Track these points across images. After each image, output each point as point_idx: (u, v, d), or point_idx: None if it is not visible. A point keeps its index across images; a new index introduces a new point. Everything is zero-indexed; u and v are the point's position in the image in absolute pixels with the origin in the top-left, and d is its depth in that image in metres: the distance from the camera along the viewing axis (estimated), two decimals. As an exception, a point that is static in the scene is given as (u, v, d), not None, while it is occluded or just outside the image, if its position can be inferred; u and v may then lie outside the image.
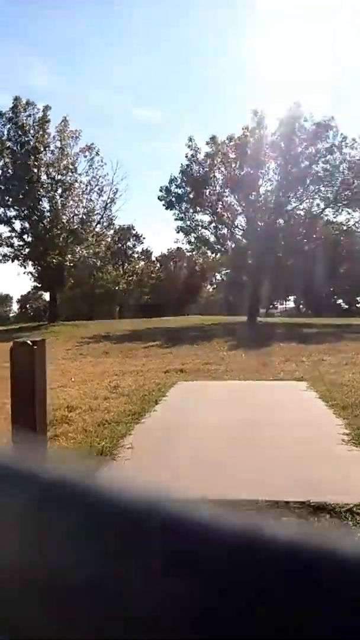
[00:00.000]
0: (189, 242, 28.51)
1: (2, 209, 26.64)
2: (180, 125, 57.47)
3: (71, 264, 28.02)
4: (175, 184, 27.09)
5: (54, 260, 26.68)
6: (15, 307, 47.93)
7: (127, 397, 7.68)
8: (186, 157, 26.88)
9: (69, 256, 27.69)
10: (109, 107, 53.10)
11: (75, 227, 27.86)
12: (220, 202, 26.84)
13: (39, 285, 30.82)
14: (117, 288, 39.35)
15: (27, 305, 45.16)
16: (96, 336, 18.51)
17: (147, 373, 10.10)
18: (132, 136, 58.29)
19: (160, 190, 27.14)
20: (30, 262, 27.60)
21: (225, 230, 27.49)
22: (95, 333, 19.47)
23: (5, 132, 26.61)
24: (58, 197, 27.38)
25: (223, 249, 28.21)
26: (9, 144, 26.44)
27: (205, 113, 55.97)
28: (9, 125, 26.64)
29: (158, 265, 47.63)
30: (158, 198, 27.18)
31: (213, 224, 27.31)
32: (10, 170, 26.28)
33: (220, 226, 27.30)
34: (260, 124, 25.96)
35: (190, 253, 34.87)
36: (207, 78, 55.55)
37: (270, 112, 27.25)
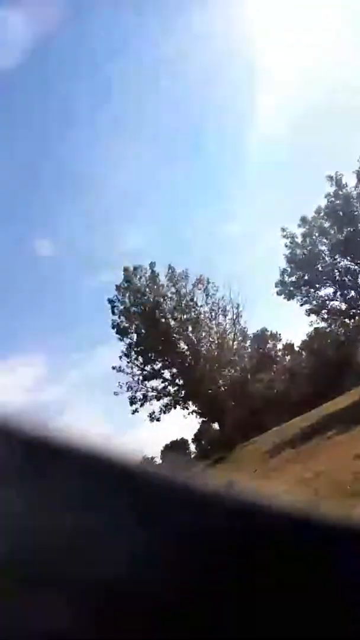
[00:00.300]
0: (323, 319, 28.38)
1: (149, 366, 29.07)
2: (264, 227, 60.08)
3: (224, 388, 29.01)
4: (287, 274, 27.73)
5: (209, 391, 27.88)
6: (192, 446, 49.20)
7: (332, 499, 7.50)
8: (285, 246, 27.69)
9: (220, 381, 28.75)
10: (196, 231, 57.36)
11: (215, 353, 29.15)
12: (336, 270, 26.82)
13: (205, 420, 31.90)
14: (275, 391, 39.12)
15: (202, 441, 46.21)
16: (276, 446, 18.37)
17: (341, 464, 9.80)
18: (226, 251, 61.91)
19: (276, 286, 27.82)
20: (189, 402, 29.12)
21: (352, 293, 26.98)
22: (273, 443, 19.33)
23: (127, 301, 29.73)
24: (190, 334, 29.23)
25: (359, 311, 27.52)
26: (133, 309, 29.39)
27: (282, 201, 57.95)
28: (128, 294, 29.80)
29: (303, 353, 46.89)
30: (277, 294, 27.80)
31: (338, 293, 27.17)
32: (143, 330, 28.95)
33: (346, 291, 26.92)
34: (340, 184, 26.40)
35: (329, 328, 34.10)
36: (266, 172, 58.33)
37: (343, 170, 27.72)
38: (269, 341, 46.26)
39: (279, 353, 46.78)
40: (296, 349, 46.94)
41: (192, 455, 46.93)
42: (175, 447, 45.89)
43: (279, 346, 47.42)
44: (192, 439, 47.39)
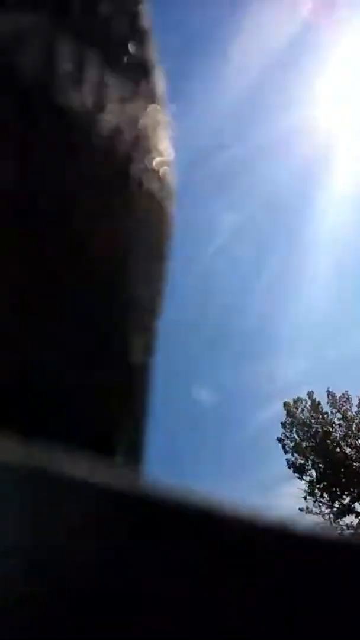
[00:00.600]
0: None
1: (337, 502, 27.43)
2: None
3: None
4: None
5: None
6: None
7: None
8: None
9: None
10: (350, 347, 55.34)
11: None
12: None
13: None
14: None
15: None
16: None
17: None
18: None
19: None
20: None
21: None
22: None
23: (296, 436, 29.35)
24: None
25: None
26: (304, 443, 28.86)
27: None
28: (294, 429, 29.49)
29: None
30: None
31: None
32: (320, 464, 27.99)
33: None
34: None
35: None
36: None
37: None
38: None
39: None
40: None
41: None
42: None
43: None
44: None
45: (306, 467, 28.52)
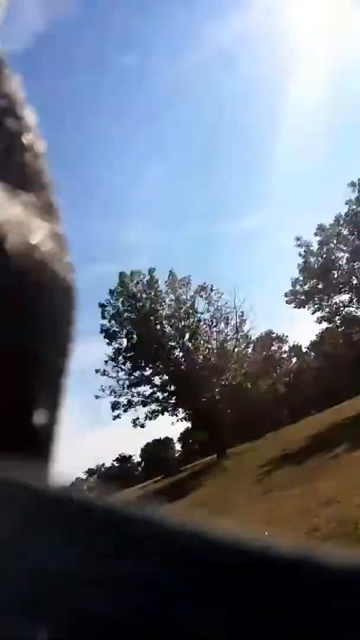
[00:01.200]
0: (337, 326, 29.18)
1: (138, 372, 27.38)
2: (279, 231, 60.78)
3: (219, 396, 27.60)
4: (299, 284, 27.52)
5: (203, 399, 26.36)
6: (178, 446, 46.97)
7: (334, 540, 5.79)
8: (300, 255, 27.47)
9: (217, 389, 27.21)
10: (205, 234, 56.69)
11: (213, 360, 27.30)
12: (354, 277, 26.92)
13: (196, 427, 30.52)
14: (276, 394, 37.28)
15: (190, 440, 43.63)
16: (272, 459, 16.44)
17: (348, 496, 7.87)
18: (238, 251, 62.29)
19: (286, 295, 27.88)
20: (180, 409, 28.00)
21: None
22: (270, 455, 17.46)
23: (120, 305, 27.80)
24: (187, 342, 27.43)
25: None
26: (126, 314, 27.52)
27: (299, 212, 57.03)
28: (121, 299, 27.83)
29: (312, 354, 44.84)
30: (286, 302, 27.93)
31: (355, 299, 27.32)
32: (134, 336, 27.11)
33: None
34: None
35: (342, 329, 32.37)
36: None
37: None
38: (274, 343, 44.47)
39: (284, 355, 45.10)
40: (304, 349, 44.85)
41: (177, 455, 44.07)
42: (159, 446, 42.39)
43: (285, 348, 45.78)
44: (179, 437, 44.49)
45: (118, 335, 27.66)
